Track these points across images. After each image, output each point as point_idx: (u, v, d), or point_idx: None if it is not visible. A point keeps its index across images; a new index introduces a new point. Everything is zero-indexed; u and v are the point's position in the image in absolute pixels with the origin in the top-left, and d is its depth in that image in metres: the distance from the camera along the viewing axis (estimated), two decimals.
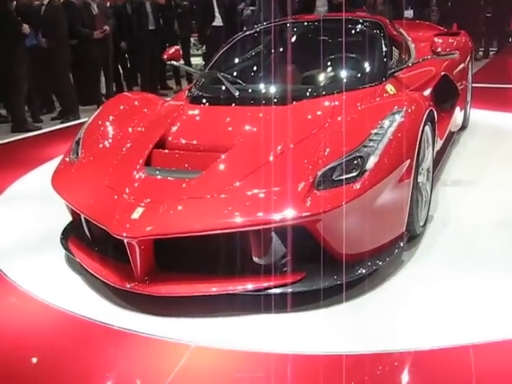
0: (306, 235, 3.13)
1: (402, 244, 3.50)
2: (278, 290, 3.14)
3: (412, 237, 3.76)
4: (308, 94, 4.15)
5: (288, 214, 3.07)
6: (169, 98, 5.03)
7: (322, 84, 4.43)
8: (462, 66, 6.17)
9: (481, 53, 13.89)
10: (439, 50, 4.72)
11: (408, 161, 3.44)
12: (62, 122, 8.62)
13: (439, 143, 4.75)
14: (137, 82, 11.38)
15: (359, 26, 5.04)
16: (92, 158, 3.93)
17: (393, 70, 4.50)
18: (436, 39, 4.79)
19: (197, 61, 13.34)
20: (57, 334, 3.09)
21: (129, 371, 2.73)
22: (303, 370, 2.69)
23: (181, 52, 5.49)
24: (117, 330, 3.04)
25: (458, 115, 5.85)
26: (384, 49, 4.62)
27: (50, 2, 8.53)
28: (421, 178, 3.82)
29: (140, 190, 3.41)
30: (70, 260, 3.79)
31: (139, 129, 4.12)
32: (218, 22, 10.85)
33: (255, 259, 3.19)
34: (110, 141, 4.09)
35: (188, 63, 11.26)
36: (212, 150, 3.66)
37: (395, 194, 3.42)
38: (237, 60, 5.09)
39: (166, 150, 3.81)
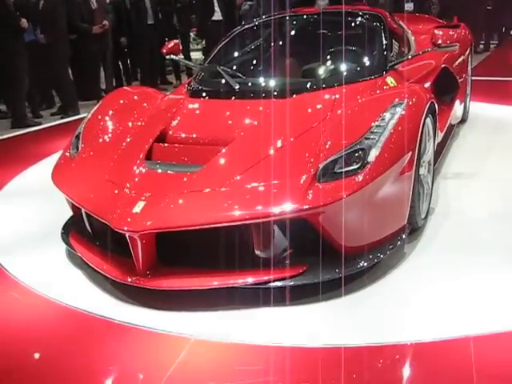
0: (308, 228, 3.12)
1: (403, 236, 3.49)
2: (279, 283, 3.14)
3: (413, 229, 3.75)
4: (308, 87, 4.14)
5: (290, 207, 3.06)
6: (168, 93, 5.01)
7: (322, 77, 4.42)
8: (462, 58, 6.16)
9: (481, 46, 13.87)
10: (440, 42, 4.71)
11: (409, 153, 3.43)
12: (62, 118, 8.62)
13: (440, 136, 4.74)
14: (137, 77, 11.37)
15: (359, 18, 5.03)
16: (92, 153, 3.93)
17: (393, 63, 4.49)
18: (436, 31, 4.79)
19: (197, 55, 13.33)
20: (58, 328, 3.09)
21: (129, 364, 2.73)
22: (303, 363, 2.69)
23: (180, 46, 5.48)
24: (117, 324, 3.04)
25: (457, 108, 5.84)
26: (384, 41, 4.60)
27: None
28: (422, 171, 3.81)
29: (141, 184, 3.41)
30: (70, 255, 3.79)
31: (139, 123, 4.11)
32: (217, 16, 10.83)
33: (257, 252, 3.19)
34: (110, 135, 4.08)
35: (188, 58, 11.24)
36: (212, 143, 3.65)
37: (397, 186, 3.42)
38: (236, 54, 5.08)
39: (167, 144, 3.80)
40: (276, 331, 2.92)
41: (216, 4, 10.83)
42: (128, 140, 3.90)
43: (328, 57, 4.61)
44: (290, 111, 3.83)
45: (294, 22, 5.16)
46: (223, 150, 3.52)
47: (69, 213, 3.97)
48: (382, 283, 3.31)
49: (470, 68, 6.75)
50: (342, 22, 4.65)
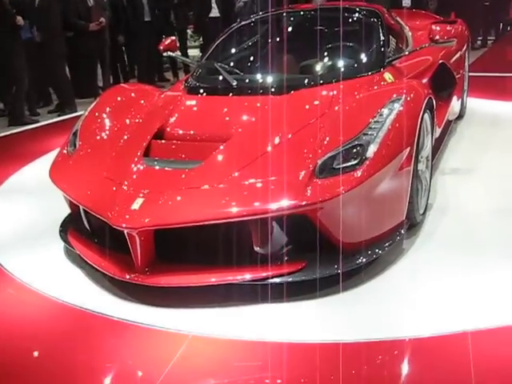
0: (307, 224, 3.12)
1: (402, 232, 3.49)
2: (278, 280, 3.13)
3: (412, 225, 3.76)
4: (306, 83, 4.13)
5: (288, 203, 3.06)
6: (166, 89, 5.01)
7: (319, 73, 4.42)
8: (459, 54, 6.16)
9: (479, 42, 13.87)
10: (437, 37, 4.72)
11: (408, 149, 3.43)
12: (59, 115, 8.61)
13: (437, 131, 4.75)
14: (134, 75, 11.35)
15: (356, 14, 5.01)
16: (90, 150, 3.92)
17: (390, 59, 4.49)
18: (434, 27, 4.78)
19: (194, 52, 13.32)
20: (55, 325, 3.09)
21: (128, 361, 2.74)
22: (301, 359, 2.69)
23: (177, 43, 5.47)
24: (116, 321, 3.04)
25: (455, 104, 5.85)
26: (382, 37, 4.60)
27: None
28: (420, 166, 3.81)
29: (139, 181, 3.40)
30: (68, 252, 3.79)
31: (137, 120, 4.10)
32: (214, 12, 10.80)
33: (256, 249, 3.18)
34: (108, 132, 4.08)
35: (185, 55, 11.24)
36: (211, 139, 3.65)
37: (395, 181, 3.42)
38: (234, 50, 5.07)
39: (164, 141, 3.80)
40: (274, 327, 2.92)
41: (213, 1, 10.80)
42: (125, 137, 3.89)
43: (325, 53, 4.61)
44: (288, 107, 3.82)
45: (292, 19, 5.15)
46: (221, 147, 3.52)
47: (66, 210, 3.97)
48: (380, 279, 3.31)
49: (467, 64, 6.75)
50: (340, 18, 4.63)
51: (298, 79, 4.22)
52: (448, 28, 4.89)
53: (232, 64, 4.72)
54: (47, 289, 3.39)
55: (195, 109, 4.30)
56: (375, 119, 3.41)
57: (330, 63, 4.59)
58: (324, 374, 2.54)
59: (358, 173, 3.17)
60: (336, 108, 3.69)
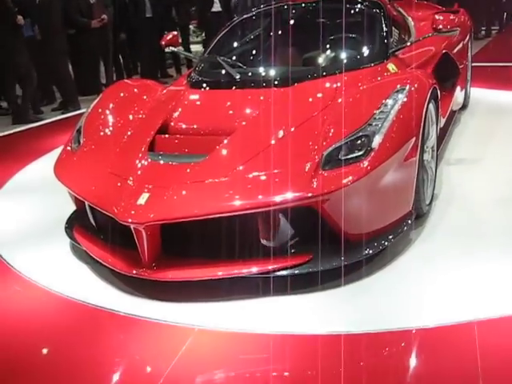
0: (313, 216, 3.10)
1: (409, 222, 3.48)
2: (285, 272, 3.13)
3: (418, 215, 3.74)
4: (309, 75, 4.12)
5: (295, 195, 3.05)
6: (168, 85, 5.00)
7: (323, 65, 4.40)
8: (462, 44, 6.14)
9: (483, 32, 13.82)
10: (440, 27, 4.71)
11: (413, 139, 3.42)
12: (63, 113, 8.60)
13: (442, 121, 4.73)
14: (137, 71, 11.34)
15: (359, 5, 5.00)
16: (94, 146, 3.91)
17: (394, 49, 4.47)
18: (437, 16, 4.77)
19: (197, 48, 13.29)
20: (62, 321, 3.09)
21: (135, 355, 2.75)
22: (307, 350, 2.69)
23: (179, 38, 5.46)
24: (122, 316, 3.04)
25: (458, 94, 5.83)
26: (384, 28, 4.58)
27: None
28: (426, 156, 3.80)
29: (144, 176, 3.39)
30: (74, 249, 3.79)
31: (140, 115, 4.09)
32: (216, 7, 10.77)
33: (263, 242, 3.18)
34: (111, 128, 4.07)
35: (188, 50, 11.21)
36: (215, 133, 3.64)
37: (402, 172, 3.41)
38: (236, 44, 5.06)
39: (169, 136, 3.79)
40: (280, 320, 2.92)
41: None
42: (129, 132, 3.89)
43: (328, 45, 4.59)
44: (292, 100, 3.81)
45: (293, 11, 5.12)
46: (225, 140, 3.51)
47: (72, 207, 3.97)
48: (387, 270, 3.30)
49: (470, 54, 6.73)
50: (342, 10, 4.61)
51: (301, 71, 4.20)
52: (451, 17, 4.87)
53: (234, 57, 4.71)
54: (54, 285, 3.39)
55: (198, 103, 4.29)
56: (380, 110, 3.40)
57: (333, 55, 4.57)
58: (330, 366, 2.53)
59: (364, 164, 3.15)
60: (340, 99, 3.68)
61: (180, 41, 10.46)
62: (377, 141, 3.23)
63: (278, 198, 3.05)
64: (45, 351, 2.86)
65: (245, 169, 3.27)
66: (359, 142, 3.24)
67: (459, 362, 2.52)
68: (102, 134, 4.02)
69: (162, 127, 3.84)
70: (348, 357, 2.58)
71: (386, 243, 3.33)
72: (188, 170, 3.33)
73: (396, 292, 3.09)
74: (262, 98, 3.94)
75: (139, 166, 3.49)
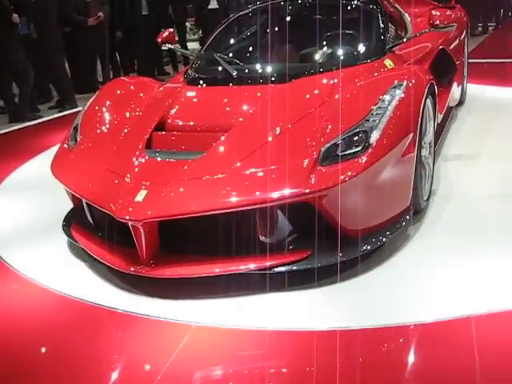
0: (312, 212, 3.10)
1: (408, 217, 3.48)
2: (283, 269, 3.13)
3: (416, 211, 3.74)
4: (306, 71, 4.11)
5: (293, 191, 3.05)
6: (165, 82, 4.99)
7: (320, 61, 4.40)
8: (458, 40, 6.15)
9: (480, 28, 13.83)
10: (437, 22, 4.70)
11: (411, 134, 3.42)
12: (60, 111, 8.59)
13: (439, 117, 4.73)
14: (134, 69, 11.32)
15: (355, 1, 4.99)
16: (91, 144, 3.91)
17: (390, 45, 4.47)
18: (434, 12, 4.77)
19: (194, 46, 13.29)
20: (60, 318, 3.09)
21: (133, 351, 2.75)
22: (305, 347, 2.69)
23: (175, 35, 5.45)
24: (119, 313, 3.05)
25: (455, 90, 5.84)
26: (381, 24, 4.57)
27: None
28: (423, 152, 3.80)
29: (142, 173, 3.39)
30: (72, 247, 3.78)
31: (137, 113, 4.08)
32: (213, 4, 10.75)
33: (261, 238, 3.17)
34: (108, 126, 4.06)
35: (185, 48, 11.18)
36: (212, 130, 3.64)
37: (400, 167, 3.40)
38: (232, 40, 5.05)
39: (166, 133, 3.79)
40: (278, 316, 2.92)
41: None
42: (126, 130, 3.88)
43: (325, 41, 4.58)
44: (289, 96, 3.81)
45: (290, 7, 5.11)
46: (223, 137, 3.50)
47: (69, 205, 3.96)
48: (385, 266, 3.30)
49: (466, 50, 6.73)
50: (339, 6, 4.60)
51: (298, 68, 4.21)
52: (448, 13, 4.87)
53: (231, 54, 4.70)
54: (51, 283, 3.38)
55: (196, 100, 4.28)
56: (377, 106, 3.39)
57: (329, 51, 4.55)
58: (328, 362, 2.53)
59: (362, 159, 3.15)
60: (337, 96, 3.67)
61: (177, 38, 10.47)
62: (374, 136, 3.23)
63: (276, 194, 3.05)
64: (43, 349, 2.85)
65: (242, 165, 3.26)
66: (357, 137, 3.24)
67: (457, 357, 2.52)
68: (98, 131, 4.02)
69: (159, 124, 3.84)
70: (345, 352, 2.58)
71: (384, 239, 3.33)
72: (185, 167, 3.33)
73: (394, 287, 3.09)
74: (259, 94, 3.94)
75: (136, 163, 3.48)
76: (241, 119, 3.69)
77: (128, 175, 3.38)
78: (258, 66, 4.37)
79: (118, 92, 4.45)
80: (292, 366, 2.58)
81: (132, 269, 3.20)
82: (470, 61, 7.14)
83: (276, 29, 4.86)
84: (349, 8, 4.93)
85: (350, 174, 3.09)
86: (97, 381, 2.55)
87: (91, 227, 3.71)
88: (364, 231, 3.28)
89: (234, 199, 3.09)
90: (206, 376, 2.60)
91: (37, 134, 7.37)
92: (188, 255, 3.23)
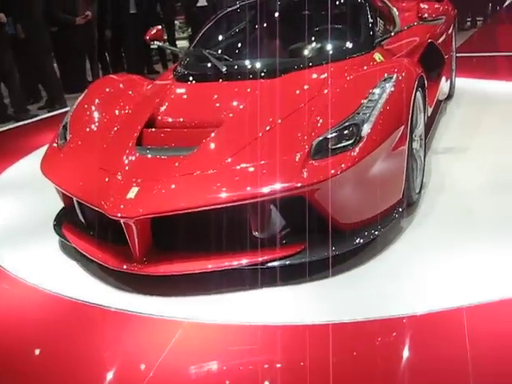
0: (304, 206, 3.09)
1: (400, 210, 3.48)
2: (277, 263, 3.12)
3: (408, 204, 3.74)
4: (296, 66, 4.10)
5: (285, 185, 3.04)
6: (154, 79, 4.96)
7: (309, 56, 4.39)
8: (446, 34, 6.16)
9: (468, 23, 13.89)
10: (426, 15, 4.71)
11: (402, 127, 3.42)
12: (49, 111, 8.54)
13: (429, 110, 4.74)
14: (124, 68, 11.27)
15: None
16: (80, 142, 3.88)
17: (379, 39, 4.47)
18: (422, 5, 4.78)
19: (183, 44, 13.22)
20: (51, 317, 3.07)
21: (125, 348, 2.74)
22: (297, 341, 2.69)
23: (164, 33, 5.43)
24: (110, 311, 3.04)
25: (444, 84, 5.85)
26: (370, 19, 4.57)
27: None
28: (415, 145, 3.80)
29: (133, 170, 3.37)
30: (63, 246, 3.76)
31: (126, 110, 4.06)
32: (202, 2, 10.70)
33: (254, 233, 3.17)
34: (98, 124, 4.03)
35: (174, 47, 11.15)
36: (203, 126, 3.62)
37: (392, 160, 3.40)
38: (221, 37, 5.02)
39: (156, 129, 3.77)
40: (269, 311, 2.93)
41: None
42: (116, 128, 3.85)
43: (314, 36, 4.56)
44: (279, 91, 3.79)
45: (279, 3, 5.11)
46: (214, 132, 3.49)
47: (60, 205, 3.94)
48: (378, 259, 3.30)
49: (454, 44, 6.75)
50: (327, 1, 4.59)
51: (287, 63, 4.18)
52: (436, 6, 4.87)
53: (220, 50, 4.68)
54: (42, 283, 3.36)
55: (185, 96, 4.27)
56: (368, 99, 3.39)
57: (319, 46, 4.54)
58: (321, 355, 2.53)
59: (354, 152, 3.14)
60: (327, 90, 3.67)
61: (166, 37, 10.43)
62: (366, 130, 3.23)
63: (268, 189, 3.04)
64: (35, 348, 2.83)
65: (234, 161, 3.25)
66: (348, 131, 3.23)
67: (448, 348, 2.52)
68: (88, 129, 3.99)
69: (149, 121, 3.82)
70: (337, 346, 2.58)
71: (377, 232, 3.32)
72: (176, 164, 3.31)
73: (386, 280, 3.09)
74: (248, 89, 3.93)
75: (127, 160, 3.46)
76: (231, 115, 3.68)
77: (119, 173, 3.36)
78: (247, 62, 4.34)
79: (107, 90, 4.43)
80: (284, 360, 2.57)
81: (125, 266, 3.19)
82: (458, 55, 7.16)
83: (265, 24, 4.85)
84: (337, 3, 4.92)
85: (342, 167, 3.08)
86: (89, 378, 2.54)
87: (82, 226, 3.69)
88: (357, 224, 3.28)
89: (226, 195, 3.08)
90: (197, 371, 2.58)
91: (26, 134, 7.33)
92: (181, 252, 3.21)
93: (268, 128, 3.43)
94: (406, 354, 2.56)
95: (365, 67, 3.98)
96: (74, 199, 3.60)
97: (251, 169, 3.18)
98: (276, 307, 2.96)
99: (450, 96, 6.60)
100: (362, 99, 3.40)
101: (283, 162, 3.14)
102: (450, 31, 6.38)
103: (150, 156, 3.49)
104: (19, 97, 8.23)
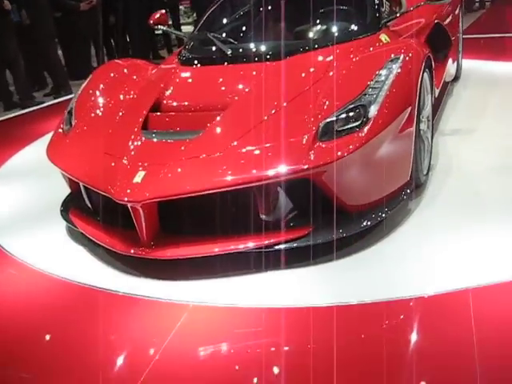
0: (311, 188, 3.07)
1: (408, 191, 3.46)
2: (283, 246, 3.11)
3: (416, 186, 3.71)
4: (301, 48, 4.06)
5: (292, 167, 3.02)
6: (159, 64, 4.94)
7: (315, 38, 4.35)
8: (453, 15, 6.11)
9: (477, 4, 13.79)
10: None
11: (409, 108, 3.39)
12: (55, 98, 8.53)
13: (436, 92, 4.70)
14: (129, 54, 11.23)
15: None
16: (86, 127, 3.87)
17: (386, 20, 4.42)
18: None
19: (188, 29, 13.17)
20: (59, 302, 3.09)
21: (132, 331, 2.75)
22: (304, 323, 2.68)
23: (168, 17, 5.39)
24: (119, 296, 3.04)
25: (451, 65, 5.81)
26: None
27: None
28: (422, 126, 3.77)
29: (139, 154, 3.35)
30: (70, 231, 3.77)
31: (132, 95, 4.04)
32: None
33: (262, 216, 3.15)
34: (103, 109, 4.02)
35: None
36: (208, 109, 3.60)
37: (399, 141, 3.38)
38: (226, 20, 4.99)
39: (162, 113, 3.75)
40: (276, 294, 2.93)
41: None
42: (121, 112, 3.84)
43: (320, 17, 4.52)
44: (285, 73, 3.77)
45: None
46: (220, 116, 3.46)
47: (66, 190, 3.94)
48: (385, 241, 3.29)
49: (461, 25, 6.69)
50: None
51: (293, 45, 4.15)
52: None
53: (225, 33, 4.65)
54: (50, 268, 3.37)
55: (190, 80, 4.24)
56: (375, 80, 3.36)
57: (325, 27, 4.49)
58: (327, 337, 2.53)
59: (361, 134, 3.12)
60: (334, 71, 3.63)
61: (170, 22, 10.38)
62: (373, 111, 3.20)
63: (275, 171, 3.02)
64: (43, 332, 2.83)
65: (240, 144, 3.23)
66: (355, 112, 3.21)
67: (454, 331, 2.52)
68: (93, 114, 3.97)
69: (155, 105, 3.80)
70: (343, 328, 2.58)
71: (384, 214, 3.30)
72: (182, 147, 3.30)
73: (393, 262, 3.08)
74: (254, 72, 3.90)
75: (133, 144, 3.45)
76: (236, 98, 3.65)
77: (125, 157, 3.35)
78: (252, 45, 4.31)
79: (112, 75, 4.41)
80: (290, 342, 2.56)
81: (132, 251, 3.18)
82: (466, 36, 7.10)
83: (269, 6, 4.80)
84: None
85: (349, 148, 3.06)
86: (96, 362, 2.55)
87: (89, 211, 3.68)
88: (365, 206, 3.26)
89: (232, 178, 3.06)
90: (203, 354, 2.58)
91: (32, 121, 7.32)
92: (187, 236, 3.21)
93: (274, 111, 3.41)
94: (412, 335, 2.54)
95: (371, 48, 3.94)
96: (81, 184, 3.60)
97: (257, 151, 3.16)
98: (282, 290, 2.96)
99: (456, 78, 6.56)
100: (369, 81, 3.37)
101: (290, 144, 3.12)
102: (456, 12, 6.32)
103: (155, 140, 3.47)
104: (24, 84, 8.23)
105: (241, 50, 4.24)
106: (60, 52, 9.42)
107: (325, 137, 3.14)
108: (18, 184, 4.90)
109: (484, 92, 6.16)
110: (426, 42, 4.81)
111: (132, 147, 3.42)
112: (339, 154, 3.04)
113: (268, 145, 3.16)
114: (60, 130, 4.01)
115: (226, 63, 4.11)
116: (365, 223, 3.24)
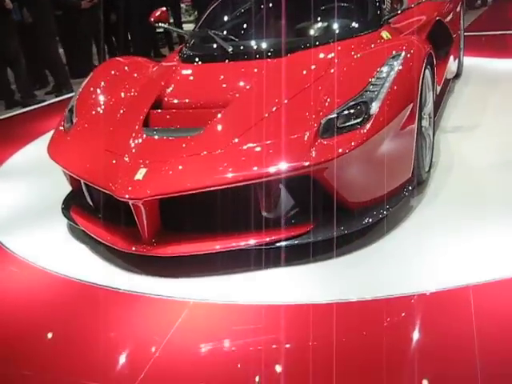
0: (313, 185, 3.07)
1: (410, 188, 3.46)
2: (285, 243, 3.11)
3: (418, 183, 3.71)
4: (303, 45, 4.06)
5: (294, 164, 3.02)
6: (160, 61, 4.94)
7: (316, 35, 4.34)
8: (454, 12, 6.10)
9: (479, 1, 13.79)
10: None
11: (411, 105, 3.38)
12: (56, 96, 8.54)
13: (437, 89, 4.69)
14: (130, 52, 11.23)
15: None
16: (87, 125, 3.87)
17: (387, 17, 4.42)
18: None
19: (190, 27, 13.16)
20: (60, 299, 3.08)
21: (133, 328, 2.75)
22: (305, 320, 2.68)
23: (169, 14, 5.38)
24: (120, 293, 3.04)
25: (452, 62, 5.81)
26: None
27: None
28: (424, 123, 3.77)
29: (140, 152, 3.35)
30: (71, 229, 3.77)
31: (133, 93, 4.04)
32: None
33: (263, 213, 3.15)
34: (104, 106, 4.01)
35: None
36: (209, 106, 3.60)
37: (401, 138, 3.37)
38: (226, 17, 4.98)
39: (163, 111, 3.75)
40: (276, 291, 2.93)
41: None
42: (122, 110, 3.84)
43: (321, 14, 4.52)
44: (286, 70, 3.77)
45: None
46: (221, 113, 3.46)
47: (67, 188, 3.93)
48: (388, 238, 3.29)
49: (462, 22, 6.69)
50: None
51: (294, 42, 4.15)
52: None
53: (226, 31, 4.64)
54: (51, 265, 3.37)
55: (191, 77, 4.24)
56: (376, 76, 3.35)
57: (325, 24, 4.50)
58: (327, 334, 2.53)
59: (363, 131, 3.11)
60: (335, 68, 3.63)
61: (171, 20, 10.37)
62: (374, 108, 3.19)
63: (277, 168, 3.02)
64: (44, 329, 2.83)
65: (241, 141, 3.23)
66: (356, 109, 3.20)
67: (455, 327, 2.51)
68: (94, 112, 3.97)
69: (156, 103, 3.80)
70: (344, 325, 2.58)
71: (386, 212, 3.30)
72: (184, 145, 3.29)
73: (394, 259, 3.08)
74: (255, 69, 3.90)
75: (134, 142, 3.45)
76: (238, 95, 3.65)
77: (126, 154, 3.34)
78: (253, 42, 4.30)
79: (113, 72, 4.41)
80: (290, 339, 2.56)
81: (133, 248, 3.18)
82: (468, 33, 7.10)
83: (270, 3, 4.80)
84: None
85: (351, 145, 3.05)
86: (97, 358, 2.55)
87: (91, 209, 3.68)
88: (366, 203, 3.26)
89: (234, 175, 3.05)
90: (203, 350, 2.58)
91: (33, 120, 7.33)
92: (189, 233, 3.21)
93: (275, 108, 3.40)
94: (412, 332, 2.54)
95: (372, 45, 3.94)
96: (82, 182, 3.59)
97: (259, 149, 3.16)
98: (282, 287, 2.96)
99: (458, 75, 6.56)
100: (370, 77, 3.36)
101: (291, 141, 3.12)
102: (458, 9, 6.32)
103: (157, 137, 3.47)
104: (26, 82, 8.23)
105: (242, 48, 4.24)
106: (61, 50, 9.41)
107: (326, 134, 3.13)
108: (19, 182, 4.90)
109: (485, 89, 6.16)
110: (428, 38, 4.81)
111: (133, 144, 3.42)
112: (340, 150, 3.04)
113: (269, 142, 3.16)
114: (61, 128, 4.01)
115: (227, 60, 4.11)
116: (366, 220, 3.23)
